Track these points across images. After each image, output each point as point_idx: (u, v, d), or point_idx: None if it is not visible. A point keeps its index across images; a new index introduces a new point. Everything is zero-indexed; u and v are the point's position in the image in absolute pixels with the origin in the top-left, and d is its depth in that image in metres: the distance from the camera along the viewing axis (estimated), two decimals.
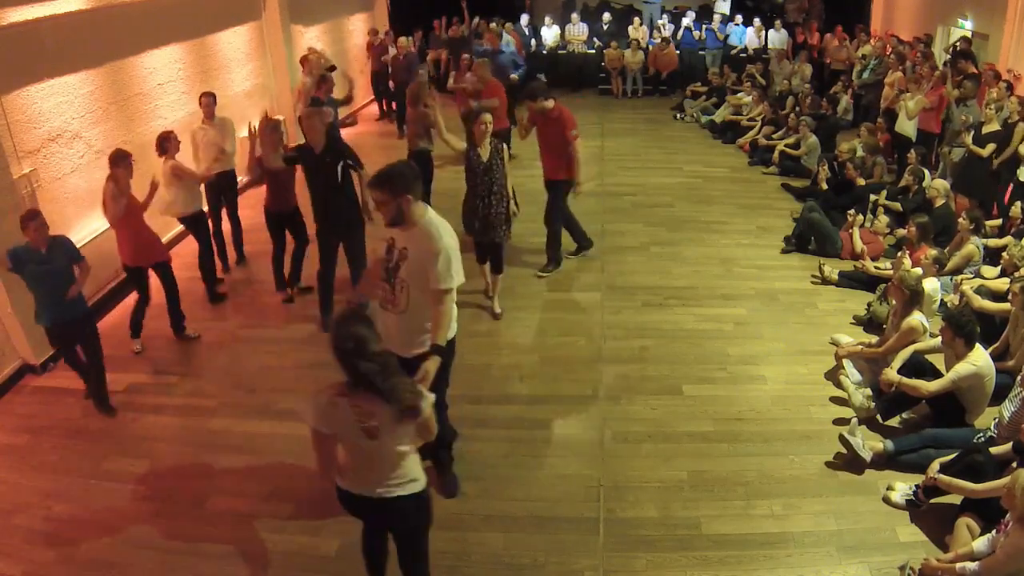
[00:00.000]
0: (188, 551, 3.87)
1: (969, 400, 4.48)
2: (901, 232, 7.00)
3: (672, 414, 4.89)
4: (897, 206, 7.62)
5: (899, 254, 6.09)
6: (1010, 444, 3.93)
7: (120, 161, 5.24)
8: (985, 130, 7.51)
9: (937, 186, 7.07)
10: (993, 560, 3.33)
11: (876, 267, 6.55)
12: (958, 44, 10.34)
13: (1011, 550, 3.26)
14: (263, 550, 3.87)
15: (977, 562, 3.38)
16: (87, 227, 6.31)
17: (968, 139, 7.59)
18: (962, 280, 5.91)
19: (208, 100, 6.67)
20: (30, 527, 4.05)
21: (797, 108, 10.88)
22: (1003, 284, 5.59)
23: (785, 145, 9.83)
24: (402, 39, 11.79)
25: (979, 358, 4.38)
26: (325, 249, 5.77)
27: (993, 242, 6.61)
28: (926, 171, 7.82)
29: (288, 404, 5.04)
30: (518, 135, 7.35)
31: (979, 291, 5.59)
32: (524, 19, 14.73)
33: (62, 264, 4.74)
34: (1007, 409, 4.17)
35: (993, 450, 3.95)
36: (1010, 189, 7.21)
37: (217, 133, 6.65)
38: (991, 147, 7.41)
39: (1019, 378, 4.25)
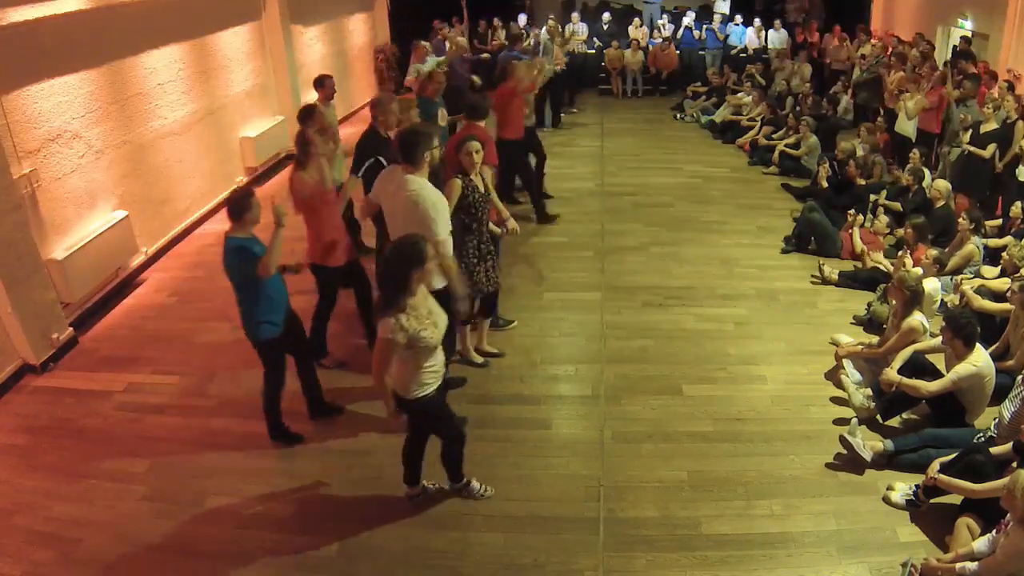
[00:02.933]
0: (188, 551, 3.87)
1: (969, 400, 4.48)
2: (901, 232, 7.00)
3: (672, 414, 4.89)
4: (897, 206, 7.61)
5: (900, 253, 6.09)
6: (1010, 444, 3.93)
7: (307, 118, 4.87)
8: (983, 130, 7.51)
9: (939, 187, 7.06)
10: (993, 560, 3.34)
11: (877, 261, 6.55)
12: (957, 46, 10.35)
13: (1011, 550, 3.27)
14: (263, 550, 3.86)
15: (977, 562, 3.39)
16: (87, 227, 6.31)
17: (966, 138, 7.59)
18: (962, 280, 5.91)
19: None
20: (30, 527, 4.05)
21: (797, 108, 10.88)
22: (1003, 284, 5.59)
23: (785, 145, 9.83)
24: (461, 39, 11.58)
25: (979, 358, 4.38)
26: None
27: (993, 242, 6.61)
28: (926, 171, 7.82)
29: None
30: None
31: (979, 291, 5.59)
32: (522, 19, 14.71)
33: None
34: (1007, 409, 4.17)
35: (993, 450, 3.95)
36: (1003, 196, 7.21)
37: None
38: (992, 147, 7.41)
39: (1019, 378, 4.25)
